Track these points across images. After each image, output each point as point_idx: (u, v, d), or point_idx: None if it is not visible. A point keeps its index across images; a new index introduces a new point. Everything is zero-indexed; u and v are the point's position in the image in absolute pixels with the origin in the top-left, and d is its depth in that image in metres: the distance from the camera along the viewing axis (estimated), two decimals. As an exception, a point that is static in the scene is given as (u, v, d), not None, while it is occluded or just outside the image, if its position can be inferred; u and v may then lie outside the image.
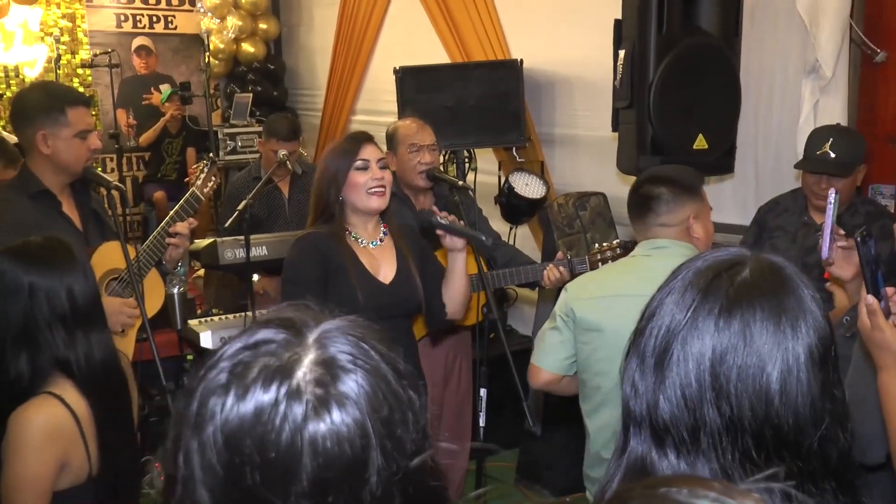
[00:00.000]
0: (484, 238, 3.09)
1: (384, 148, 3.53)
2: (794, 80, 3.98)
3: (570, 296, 2.75)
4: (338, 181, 2.96)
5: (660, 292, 1.20)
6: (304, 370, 0.94)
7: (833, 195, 2.20)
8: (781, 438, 1.10)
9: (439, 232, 3.00)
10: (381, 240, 3.07)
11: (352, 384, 0.94)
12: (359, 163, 2.95)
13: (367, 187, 2.94)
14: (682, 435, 1.10)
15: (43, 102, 3.08)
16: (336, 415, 0.92)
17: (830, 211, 2.20)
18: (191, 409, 0.96)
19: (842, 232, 2.28)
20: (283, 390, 0.92)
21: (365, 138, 3.05)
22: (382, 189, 2.97)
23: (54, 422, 2.19)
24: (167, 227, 3.29)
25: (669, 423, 1.11)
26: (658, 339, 1.14)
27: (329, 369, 0.94)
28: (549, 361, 2.78)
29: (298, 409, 0.91)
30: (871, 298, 1.86)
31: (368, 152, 2.99)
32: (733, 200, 4.36)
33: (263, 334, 0.98)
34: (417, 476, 0.98)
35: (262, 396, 0.92)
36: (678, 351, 1.12)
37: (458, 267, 3.07)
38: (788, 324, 1.12)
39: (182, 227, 3.28)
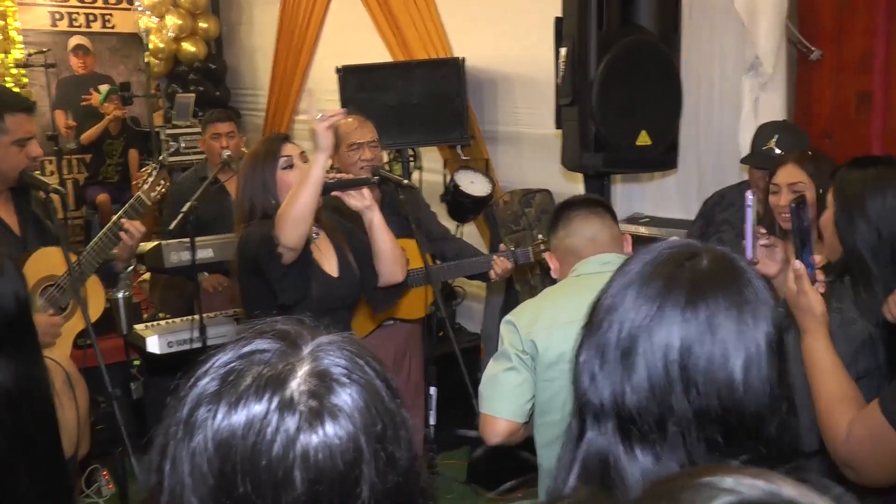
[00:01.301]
0: (371, 178, 3.17)
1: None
2: (733, 76, 4.04)
3: (522, 328, 2.46)
4: (267, 184, 2.95)
5: (613, 285, 1.20)
6: (299, 381, 0.93)
7: (751, 197, 2.27)
8: (744, 426, 1.12)
9: (336, 194, 2.94)
10: (316, 234, 3.06)
11: (346, 398, 0.94)
12: (282, 161, 2.95)
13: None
14: (648, 425, 1.11)
15: None
16: (329, 427, 0.92)
17: (749, 213, 2.28)
18: (180, 418, 0.95)
19: (763, 231, 2.36)
20: (275, 401, 0.91)
21: (283, 137, 3.06)
22: None
23: None
24: (110, 232, 3.24)
25: (636, 413, 1.12)
26: (623, 332, 1.15)
27: (323, 381, 0.94)
28: (507, 409, 2.44)
29: (291, 421, 0.91)
30: (798, 264, 1.99)
31: (289, 149, 3.00)
32: (676, 196, 4.43)
33: (258, 344, 0.97)
34: (408, 493, 0.99)
35: (254, 406, 0.91)
36: (645, 342, 1.13)
37: (375, 224, 2.99)
38: (749, 314, 1.14)
39: (133, 225, 3.23)
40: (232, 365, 0.96)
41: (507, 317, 2.55)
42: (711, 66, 4.18)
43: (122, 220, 3.21)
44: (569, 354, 2.09)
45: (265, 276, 2.83)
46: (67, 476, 2.35)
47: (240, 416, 0.92)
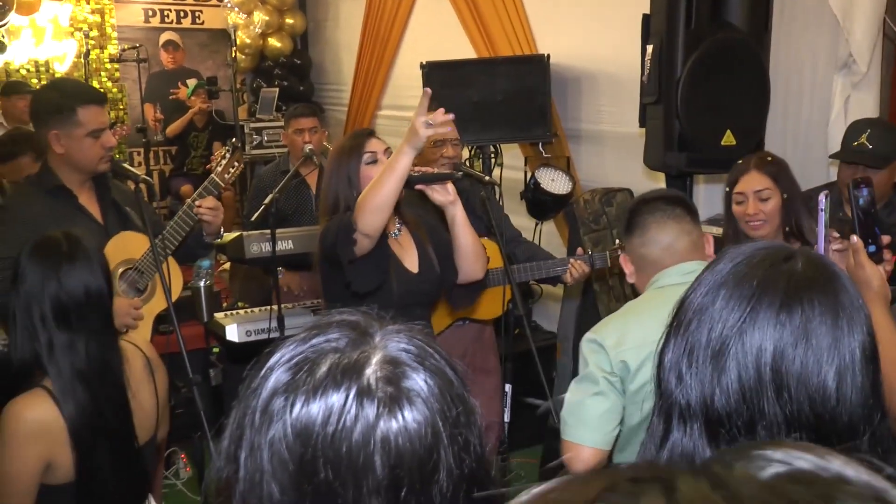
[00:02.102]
0: (456, 173, 3.07)
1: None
2: (824, 75, 3.94)
3: (610, 348, 2.25)
4: (351, 179, 2.97)
5: (702, 284, 1.18)
6: (374, 368, 0.94)
7: (824, 200, 2.23)
8: (837, 434, 1.09)
9: (419, 187, 2.91)
10: (398, 230, 3.07)
11: (420, 382, 0.95)
12: (367, 156, 2.97)
13: None
14: (737, 428, 1.09)
15: (54, 102, 3.11)
16: (407, 413, 0.92)
17: (822, 216, 2.23)
18: (255, 407, 0.96)
19: (836, 234, 2.30)
20: (353, 389, 0.92)
21: (368, 133, 3.08)
22: None
23: (42, 420, 2.19)
24: (186, 215, 3.31)
25: (725, 415, 1.09)
26: (714, 332, 1.12)
27: (398, 367, 0.95)
28: (594, 437, 2.23)
29: (370, 409, 0.92)
30: (855, 238, 2.07)
31: (374, 145, 3.01)
32: (761, 197, 4.33)
33: (329, 334, 0.98)
34: (482, 480, 0.98)
35: (332, 395, 0.92)
36: (737, 344, 1.10)
37: (457, 220, 2.97)
38: (845, 320, 1.11)
39: (207, 201, 3.29)
40: (304, 355, 0.96)
41: (590, 335, 2.32)
42: (802, 64, 4.07)
43: (197, 204, 3.28)
44: None
45: (340, 263, 2.84)
46: (142, 461, 2.40)
47: (319, 405, 0.92)
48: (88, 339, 2.25)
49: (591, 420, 2.23)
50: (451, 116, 2.81)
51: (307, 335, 0.99)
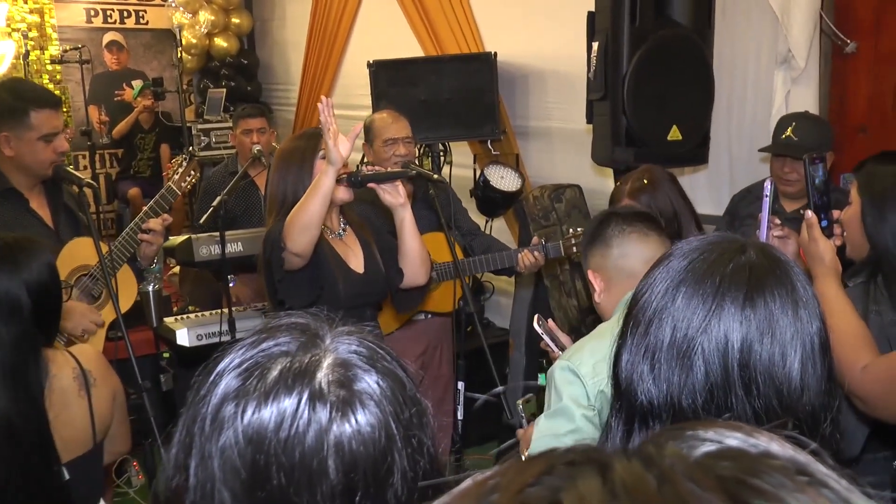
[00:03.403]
0: (409, 171, 3.12)
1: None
2: (766, 70, 4.00)
3: (587, 377, 2.01)
4: (303, 177, 2.95)
5: (657, 284, 1.16)
6: (325, 371, 0.94)
7: (769, 186, 2.26)
8: (801, 425, 1.10)
9: (371, 186, 2.94)
10: (343, 230, 3.07)
11: (373, 384, 0.95)
12: (322, 152, 2.93)
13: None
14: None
15: (6, 104, 3.05)
16: (360, 415, 0.92)
17: (766, 202, 2.27)
18: (205, 414, 0.95)
19: (777, 221, 2.33)
20: (305, 393, 0.92)
21: (320, 132, 3.05)
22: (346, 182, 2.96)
23: None
24: (141, 221, 3.27)
25: (691, 413, 1.09)
26: (678, 332, 1.11)
27: (349, 370, 0.95)
28: None
29: (322, 413, 0.91)
30: (809, 213, 2.11)
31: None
32: (708, 191, 4.39)
33: (278, 339, 0.98)
34: (435, 477, 0.99)
35: (284, 400, 0.92)
36: (704, 342, 1.10)
37: (405, 223, 3.00)
38: (804, 310, 1.12)
39: (156, 223, 3.26)
40: (254, 360, 0.96)
41: (563, 361, 2.09)
42: (745, 60, 4.14)
43: (145, 223, 3.23)
44: None
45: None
46: (59, 479, 2.29)
47: (271, 411, 0.92)
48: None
49: None
50: (359, 127, 2.90)
51: (256, 339, 0.98)
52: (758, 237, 2.30)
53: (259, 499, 0.91)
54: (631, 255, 2.17)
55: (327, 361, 0.95)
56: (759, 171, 3.95)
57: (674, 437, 0.56)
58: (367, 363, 0.96)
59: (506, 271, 3.97)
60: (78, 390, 2.35)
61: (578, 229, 3.68)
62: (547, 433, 2.01)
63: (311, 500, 0.91)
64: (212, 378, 0.97)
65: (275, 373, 0.94)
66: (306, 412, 0.91)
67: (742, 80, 4.17)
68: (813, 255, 2.07)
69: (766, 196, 2.27)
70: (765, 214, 2.30)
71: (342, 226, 3.09)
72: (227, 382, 0.95)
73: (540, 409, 2.31)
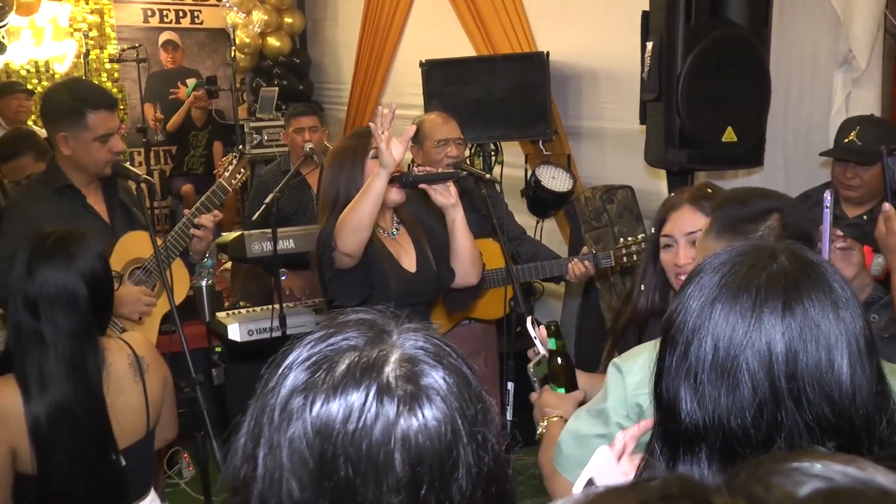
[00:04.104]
0: (460, 172, 3.10)
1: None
2: (825, 71, 3.93)
3: (630, 385, 1.82)
4: (355, 176, 2.98)
5: (691, 302, 1.12)
6: (393, 366, 0.95)
7: (829, 197, 2.19)
8: (856, 431, 1.06)
9: (423, 186, 2.93)
10: (396, 229, 3.09)
11: (439, 380, 0.95)
12: (373, 152, 2.95)
13: None
14: (754, 444, 1.05)
15: (65, 104, 3.11)
16: (427, 410, 0.93)
17: (827, 214, 2.20)
18: (273, 406, 0.96)
19: (840, 233, 2.27)
20: (373, 387, 0.93)
21: (371, 132, 3.06)
22: (399, 183, 2.97)
23: (3, 405, 2.19)
24: (193, 217, 3.32)
25: (741, 432, 1.06)
26: (719, 350, 1.08)
27: (416, 365, 0.95)
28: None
29: (390, 407, 0.92)
30: (887, 206, 2.05)
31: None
32: (762, 193, 4.32)
33: (346, 333, 0.99)
34: (499, 478, 0.99)
35: (352, 394, 0.93)
36: (747, 356, 1.06)
37: (457, 223, 2.98)
38: (845, 311, 1.08)
39: (206, 219, 3.30)
40: (322, 354, 0.97)
41: (619, 361, 1.90)
42: (802, 60, 4.07)
43: (197, 218, 3.27)
44: None
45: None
46: (116, 465, 2.34)
47: (339, 404, 0.93)
48: (58, 337, 2.23)
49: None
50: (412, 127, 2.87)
51: (324, 334, 0.99)
52: (819, 249, 2.24)
53: (326, 489, 0.92)
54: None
55: (394, 356, 0.95)
56: (815, 175, 3.88)
57: (777, 471, 0.53)
58: (434, 359, 0.97)
59: (554, 279, 3.95)
60: (133, 377, 2.42)
61: (629, 238, 3.66)
62: (582, 428, 1.89)
63: (377, 492, 0.91)
64: (280, 370, 0.98)
65: (343, 367, 0.95)
66: (374, 406, 0.92)
67: (799, 80, 4.10)
68: (893, 248, 2.01)
69: (827, 207, 2.21)
70: (826, 226, 2.23)
71: (395, 225, 3.11)
72: (296, 375, 0.96)
73: (552, 374, 2.30)
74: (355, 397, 0.92)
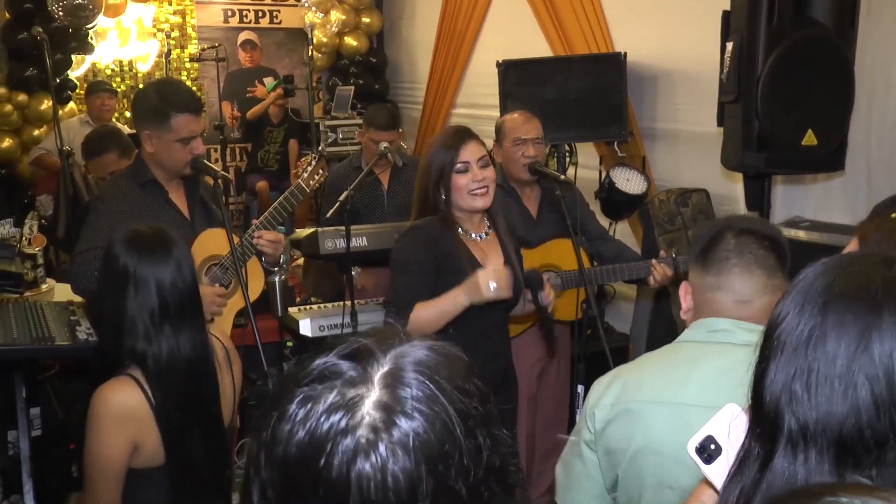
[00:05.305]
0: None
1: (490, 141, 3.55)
2: (911, 73, 3.81)
3: (590, 403, 1.96)
4: (440, 183, 3.01)
5: (803, 315, 1.10)
6: (364, 412, 0.92)
7: None
8: None
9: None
10: (486, 233, 3.11)
11: (409, 432, 0.92)
12: (459, 166, 2.98)
13: (468, 189, 2.97)
14: (867, 449, 1.03)
15: (152, 104, 3.19)
16: (387, 461, 0.90)
17: None
18: (264, 434, 0.97)
19: None
20: (341, 425, 0.91)
21: (466, 136, 3.06)
22: (485, 189, 3.00)
23: (128, 404, 2.25)
24: (272, 215, 3.38)
25: (857, 434, 1.04)
26: (835, 355, 1.06)
27: (388, 415, 0.92)
28: (580, 500, 1.99)
29: (349, 444, 0.90)
30: None
31: (468, 153, 3.00)
32: (842, 199, 4.21)
33: (333, 365, 0.97)
34: None
35: (321, 427, 0.92)
36: (865, 360, 1.05)
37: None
38: None
39: (268, 236, 3.33)
40: (308, 388, 0.96)
41: (600, 379, 2.02)
42: (889, 62, 3.94)
43: (258, 234, 3.32)
44: (664, 443, 1.80)
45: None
46: (227, 445, 2.47)
47: (307, 436, 0.92)
48: (188, 329, 2.32)
49: (573, 484, 2.00)
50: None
51: (316, 360, 0.98)
52: None
53: None
54: (725, 289, 1.88)
55: (370, 400, 0.93)
56: (900, 180, 3.78)
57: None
58: (411, 407, 0.93)
59: (636, 281, 3.90)
60: (226, 367, 2.55)
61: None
62: (565, 452, 2.03)
63: None
64: (277, 401, 0.98)
65: (320, 405, 0.93)
66: (335, 444, 0.91)
67: (885, 83, 3.98)
68: None
69: None
70: None
71: (486, 229, 3.12)
72: (285, 406, 0.96)
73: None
74: (320, 435, 0.91)
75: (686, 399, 1.81)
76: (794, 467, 1.07)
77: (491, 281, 2.81)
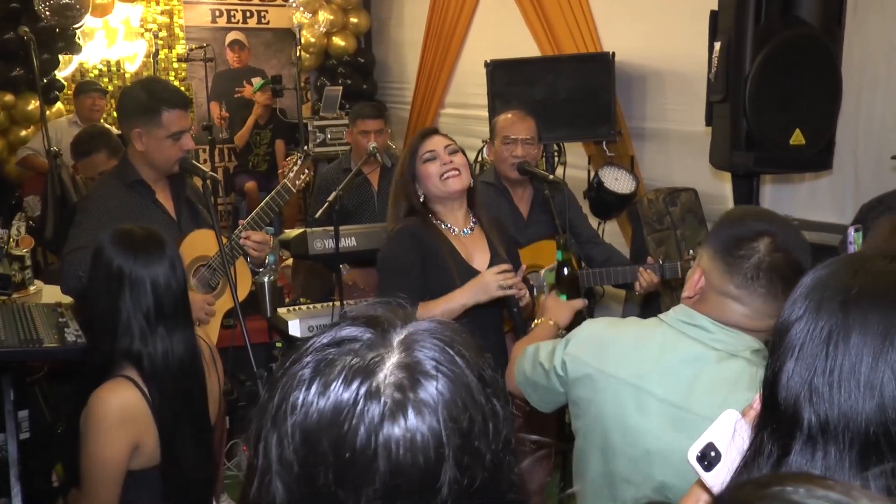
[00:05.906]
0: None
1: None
2: (898, 72, 3.83)
3: (568, 350, 2.07)
4: (412, 180, 3.03)
5: (822, 311, 1.09)
6: (386, 373, 0.92)
7: (852, 234, 2.09)
8: None
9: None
10: (471, 228, 3.09)
11: (432, 391, 0.92)
12: (426, 155, 3.01)
13: (439, 174, 2.98)
14: (892, 444, 1.02)
15: (141, 101, 3.19)
16: (412, 421, 0.91)
17: (851, 249, 2.10)
18: (273, 402, 0.96)
19: None
20: (362, 390, 0.91)
21: (428, 132, 3.13)
22: (456, 171, 2.99)
23: (128, 405, 2.25)
24: (259, 215, 3.37)
25: (882, 428, 1.02)
26: (858, 353, 1.05)
27: (411, 374, 0.93)
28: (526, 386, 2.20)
29: (375, 410, 0.90)
30: None
31: (433, 143, 3.04)
32: (830, 198, 4.23)
33: (349, 331, 0.97)
34: (494, 490, 0.96)
35: (342, 394, 0.91)
36: (892, 357, 1.03)
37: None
38: None
39: (255, 237, 3.34)
40: (324, 353, 0.95)
41: (591, 326, 2.15)
42: (875, 60, 3.96)
43: (245, 233, 3.32)
44: (629, 420, 1.88)
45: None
46: (210, 436, 2.47)
47: (327, 403, 0.91)
48: (181, 329, 2.34)
49: (532, 375, 2.16)
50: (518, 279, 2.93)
51: (329, 331, 0.98)
52: None
53: (307, 494, 0.92)
54: (742, 300, 1.84)
55: (391, 361, 0.93)
56: (886, 179, 3.79)
57: (760, 496, 0.52)
58: (433, 367, 0.94)
59: (621, 286, 3.91)
60: (213, 366, 2.56)
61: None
62: (537, 356, 2.15)
63: (357, 499, 0.90)
64: (285, 367, 0.98)
65: (338, 367, 0.93)
66: (359, 408, 0.90)
67: (872, 82, 4.00)
68: None
69: (850, 244, 2.13)
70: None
71: (471, 224, 3.11)
72: (296, 373, 0.95)
73: (557, 281, 2.66)
74: (343, 398, 0.91)
75: (648, 386, 1.88)
76: (812, 464, 1.06)
77: (500, 282, 2.84)
